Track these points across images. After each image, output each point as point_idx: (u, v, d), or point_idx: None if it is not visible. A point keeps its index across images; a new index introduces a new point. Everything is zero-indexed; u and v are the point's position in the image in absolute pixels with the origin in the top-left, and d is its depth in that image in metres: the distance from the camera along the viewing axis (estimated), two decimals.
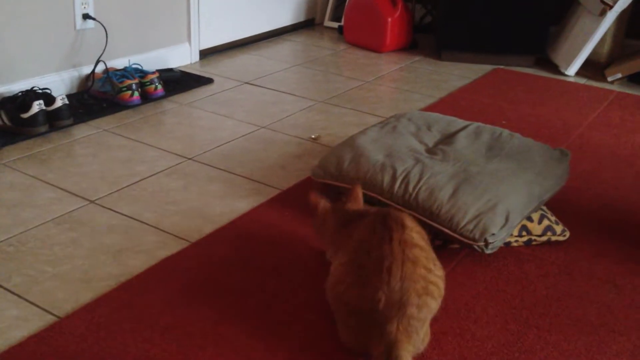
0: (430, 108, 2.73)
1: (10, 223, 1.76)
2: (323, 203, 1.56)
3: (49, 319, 1.41)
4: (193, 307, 1.45)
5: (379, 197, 1.76)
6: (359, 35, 3.63)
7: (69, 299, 1.48)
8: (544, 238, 1.75)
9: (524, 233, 1.73)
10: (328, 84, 3.02)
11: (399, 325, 1.21)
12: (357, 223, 1.38)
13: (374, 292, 1.22)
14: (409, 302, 1.22)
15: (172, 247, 1.69)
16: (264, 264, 1.62)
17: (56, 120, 2.33)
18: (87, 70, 2.73)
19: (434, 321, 1.43)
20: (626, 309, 1.51)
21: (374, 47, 3.57)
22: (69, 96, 2.59)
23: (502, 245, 1.72)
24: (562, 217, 1.87)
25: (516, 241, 1.74)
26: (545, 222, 1.75)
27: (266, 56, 3.40)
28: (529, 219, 1.75)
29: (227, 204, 1.92)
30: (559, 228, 1.76)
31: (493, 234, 1.62)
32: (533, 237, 1.74)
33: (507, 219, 1.65)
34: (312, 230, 1.63)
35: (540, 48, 3.39)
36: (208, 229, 1.78)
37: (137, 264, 1.61)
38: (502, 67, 3.38)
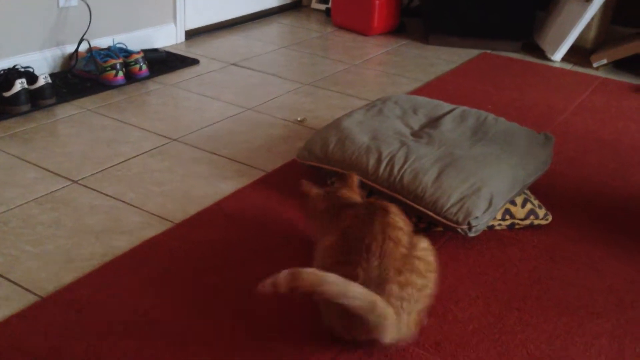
0: (417, 92, 2.73)
1: None
2: (315, 190, 1.54)
3: (31, 299, 1.40)
4: (176, 287, 1.45)
5: (364, 180, 1.76)
6: (346, 18, 3.61)
7: (51, 278, 1.47)
8: (527, 222, 1.76)
9: (507, 217, 1.75)
10: (315, 67, 3.01)
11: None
12: (345, 211, 1.37)
13: (352, 269, 1.22)
14: (387, 278, 1.21)
15: (156, 228, 1.68)
16: (248, 245, 1.62)
17: (39, 99, 2.30)
18: (70, 49, 2.69)
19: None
20: (606, 292, 1.54)
21: (362, 30, 3.56)
22: (52, 75, 2.55)
23: (486, 229, 1.73)
24: (545, 201, 1.88)
25: (499, 225, 1.75)
26: (529, 206, 1.77)
27: (253, 37, 3.38)
28: (513, 202, 1.76)
29: (211, 186, 1.91)
30: (541, 212, 1.78)
31: (476, 218, 1.63)
32: (516, 221, 1.76)
33: (490, 203, 1.66)
34: (300, 213, 1.63)
35: (527, 33, 3.39)
36: (192, 210, 1.77)
37: (121, 244, 1.61)
38: (489, 51, 3.38)
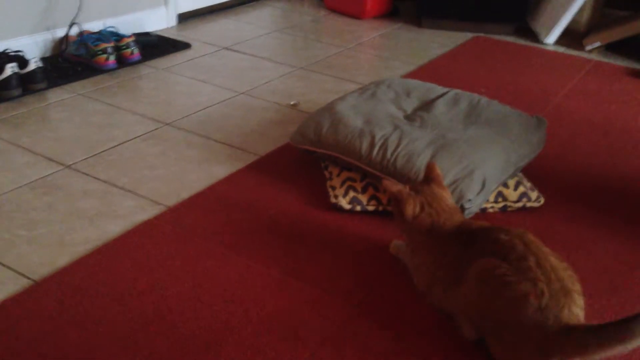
0: (410, 75, 2.73)
1: None
2: (405, 191, 1.43)
3: (25, 283, 1.40)
4: (170, 270, 1.46)
5: (357, 163, 1.76)
6: (339, 1, 3.59)
7: (45, 262, 1.47)
8: (519, 204, 1.77)
9: (499, 199, 1.75)
10: (308, 50, 2.99)
11: (570, 312, 1.14)
12: (475, 236, 1.31)
13: (532, 286, 1.16)
14: (569, 288, 1.17)
15: (149, 212, 1.68)
16: (241, 228, 1.63)
17: (30, 83, 2.28)
18: (61, 33, 2.67)
19: (411, 284, 1.45)
20: (598, 274, 1.55)
21: (355, 14, 3.54)
22: (43, 59, 2.54)
23: (478, 211, 1.74)
24: (537, 184, 1.89)
25: (492, 207, 1.76)
26: (521, 189, 1.78)
27: (245, 21, 3.36)
28: (505, 185, 1.77)
29: (204, 170, 1.91)
30: (534, 194, 1.79)
31: (469, 200, 1.64)
32: (508, 204, 1.76)
33: (483, 185, 1.67)
34: (291, 196, 1.62)
35: (520, 16, 3.38)
36: (185, 194, 1.77)
37: (114, 228, 1.61)
38: (482, 35, 3.38)
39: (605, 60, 3.09)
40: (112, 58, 2.55)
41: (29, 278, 1.42)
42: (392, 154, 1.72)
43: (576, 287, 1.20)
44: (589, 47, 3.18)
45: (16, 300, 1.34)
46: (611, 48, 3.24)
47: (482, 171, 1.68)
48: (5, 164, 1.86)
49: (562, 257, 1.28)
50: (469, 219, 1.44)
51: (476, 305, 1.24)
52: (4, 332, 1.25)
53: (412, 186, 1.46)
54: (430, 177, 1.46)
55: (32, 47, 2.58)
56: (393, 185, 1.43)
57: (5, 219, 1.61)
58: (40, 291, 1.37)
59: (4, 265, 1.45)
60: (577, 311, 1.17)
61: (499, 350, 1.23)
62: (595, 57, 3.13)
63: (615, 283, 1.52)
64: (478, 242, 1.29)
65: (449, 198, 1.45)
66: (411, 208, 1.40)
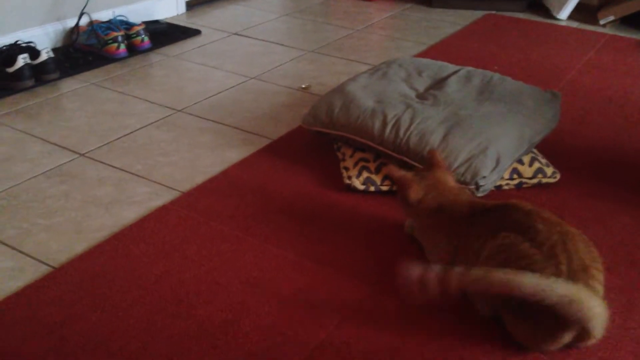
0: (422, 55, 2.70)
1: (1, 177, 1.76)
2: (408, 176, 1.44)
3: (44, 270, 1.42)
4: (186, 254, 1.47)
5: (370, 143, 1.75)
6: None
7: (63, 249, 1.48)
8: (535, 180, 1.76)
9: (514, 176, 1.74)
10: (317, 34, 2.98)
11: (588, 284, 1.14)
12: (482, 217, 1.30)
13: (554, 267, 1.15)
14: (587, 265, 1.16)
15: (164, 198, 1.69)
16: (256, 211, 1.63)
17: (42, 74, 2.29)
18: (71, 23, 2.68)
19: (427, 263, 1.45)
20: (615, 246, 1.54)
21: None
22: (54, 50, 2.54)
23: (494, 189, 1.73)
24: (552, 159, 1.87)
25: (507, 184, 1.75)
26: (536, 165, 1.76)
27: (254, 6, 3.34)
28: (520, 161, 1.75)
29: (217, 155, 1.91)
30: (549, 170, 1.77)
31: (484, 177, 1.63)
32: (524, 180, 1.75)
33: (498, 162, 1.65)
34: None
35: None
36: (199, 179, 1.78)
37: (130, 214, 1.62)
38: (493, 12, 3.34)
39: (619, 34, 3.05)
40: (122, 47, 2.55)
41: (48, 265, 1.43)
42: (404, 133, 1.71)
43: (595, 263, 1.19)
44: (602, 21, 3.13)
45: (36, 286, 1.36)
46: (625, 21, 3.19)
47: (496, 148, 1.67)
48: (21, 153, 1.88)
49: (580, 232, 1.27)
50: (479, 199, 1.44)
51: None
52: (26, 318, 1.27)
53: (415, 172, 1.47)
54: (432, 163, 1.48)
55: (43, 38, 2.59)
56: (397, 171, 1.45)
57: (23, 208, 1.63)
58: (59, 277, 1.38)
59: (23, 253, 1.47)
60: (595, 285, 1.16)
61: (517, 328, 1.23)
62: (609, 31, 3.09)
63: (633, 256, 1.51)
64: (496, 220, 1.28)
65: (452, 181, 1.45)
66: (415, 192, 1.42)
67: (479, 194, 1.64)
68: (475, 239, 1.29)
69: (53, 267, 1.43)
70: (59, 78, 2.36)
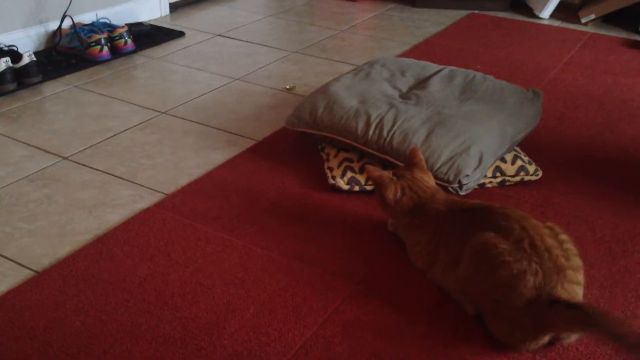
0: (405, 55, 2.72)
1: None
2: (386, 175, 1.46)
3: (27, 274, 1.41)
4: (171, 257, 1.46)
5: (354, 144, 1.76)
6: None
7: (47, 253, 1.48)
8: (517, 178, 1.77)
9: (497, 174, 1.75)
10: (301, 34, 2.98)
11: (563, 288, 1.16)
12: (461, 216, 1.33)
13: (527, 265, 1.17)
14: (562, 265, 1.18)
15: (148, 200, 1.68)
16: (241, 212, 1.63)
17: (24, 77, 2.28)
18: (54, 26, 2.66)
19: (409, 265, 1.46)
20: (596, 243, 1.55)
21: None
22: (36, 53, 2.53)
23: (477, 187, 1.74)
24: (535, 157, 1.89)
25: (490, 182, 1.76)
26: (519, 163, 1.78)
27: (238, 7, 3.34)
28: (503, 160, 1.77)
29: (202, 156, 1.91)
30: (531, 168, 1.79)
31: (467, 175, 1.64)
32: (507, 178, 1.77)
33: (480, 160, 1.67)
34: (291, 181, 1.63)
35: None
36: (184, 181, 1.78)
37: (114, 217, 1.61)
38: (476, 11, 3.36)
39: (600, 32, 3.08)
40: (105, 49, 2.54)
41: (31, 269, 1.43)
42: (388, 133, 1.72)
43: (572, 263, 1.21)
44: (584, 20, 3.16)
45: (19, 291, 1.35)
46: (606, 20, 3.22)
47: (479, 146, 1.68)
48: (3, 157, 1.87)
49: (563, 229, 1.28)
50: (457, 197, 1.45)
51: (473, 283, 1.25)
52: (9, 322, 1.26)
53: (394, 171, 1.49)
54: (413, 162, 1.49)
55: (26, 41, 2.57)
56: (375, 171, 1.47)
57: (5, 212, 1.62)
58: (42, 281, 1.38)
59: (5, 257, 1.46)
60: (571, 287, 1.18)
61: (496, 327, 1.24)
62: (590, 29, 3.12)
63: (614, 252, 1.52)
64: (474, 223, 1.30)
65: (430, 180, 1.47)
66: (392, 192, 1.44)
67: (462, 192, 1.65)
68: (455, 240, 1.31)
69: (36, 272, 1.42)
70: (42, 81, 2.35)
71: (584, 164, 1.90)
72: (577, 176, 1.84)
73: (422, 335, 1.26)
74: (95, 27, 2.59)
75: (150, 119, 2.13)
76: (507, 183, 1.78)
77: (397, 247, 1.51)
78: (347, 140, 1.77)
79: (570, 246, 1.25)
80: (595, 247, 1.54)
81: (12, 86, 2.24)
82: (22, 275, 1.41)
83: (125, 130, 2.05)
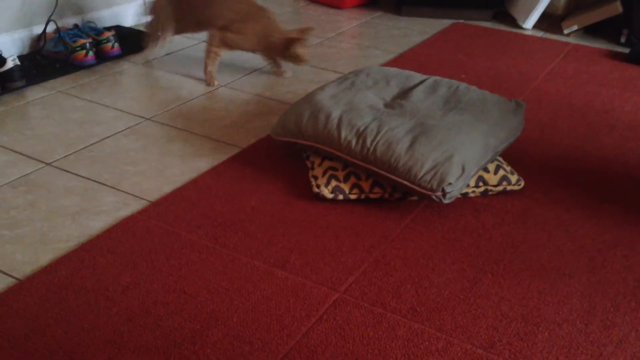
0: (391, 64, 2.73)
1: None
2: None
3: (9, 282, 1.40)
4: (154, 265, 1.46)
5: (337, 153, 1.77)
6: None
7: (29, 261, 1.47)
8: (500, 188, 1.79)
9: (480, 184, 1.77)
10: None
11: None
12: None
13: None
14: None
15: (132, 207, 1.68)
16: (225, 220, 1.63)
17: (8, 82, 2.26)
18: (38, 30, 2.65)
19: (394, 271, 1.47)
20: (577, 253, 1.57)
21: (334, 3, 3.54)
22: (20, 57, 2.52)
23: (460, 196, 1.76)
24: (517, 167, 1.91)
25: (473, 192, 1.78)
26: (501, 173, 1.80)
27: None
28: (485, 169, 1.79)
29: (186, 164, 1.91)
30: (514, 178, 1.81)
31: (450, 184, 1.65)
32: (489, 187, 1.78)
33: (463, 169, 1.68)
34: (269, 184, 1.63)
35: (498, 2, 3.40)
36: (168, 188, 1.78)
37: (97, 224, 1.61)
38: (461, 21, 3.39)
39: (583, 43, 3.12)
40: (90, 54, 2.53)
41: (12, 277, 1.42)
42: (371, 143, 1.73)
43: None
44: (566, 31, 3.21)
45: (0, 298, 1.34)
46: (589, 31, 3.27)
47: (462, 156, 1.70)
48: None
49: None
50: None
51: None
52: None
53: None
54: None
55: (9, 45, 2.55)
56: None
57: None
58: (24, 289, 1.37)
59: None
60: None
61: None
62: (573, 40, 3.16)
63: (594, 262, 1.54)
64: None
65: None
66: None
67: (446, 201, 1.66)
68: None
69: (18, 279, 1.41)
70: (25, 86, 2.33)
71: (566, 174, 1.93)
72: (559, 186, 1.86)
73: (405, 342, 1.27)
74: (81, 31, 2.58)
75: (135, 125, 2.13)
76: (490, 193, 1.79)
77: (380, 256, 1.52)
78: (331, 150, 1.78)
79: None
80: (576, 256, 1.56)
81: None
82: (4, 282, 1.40)
83: (109, 136, 2.05)
